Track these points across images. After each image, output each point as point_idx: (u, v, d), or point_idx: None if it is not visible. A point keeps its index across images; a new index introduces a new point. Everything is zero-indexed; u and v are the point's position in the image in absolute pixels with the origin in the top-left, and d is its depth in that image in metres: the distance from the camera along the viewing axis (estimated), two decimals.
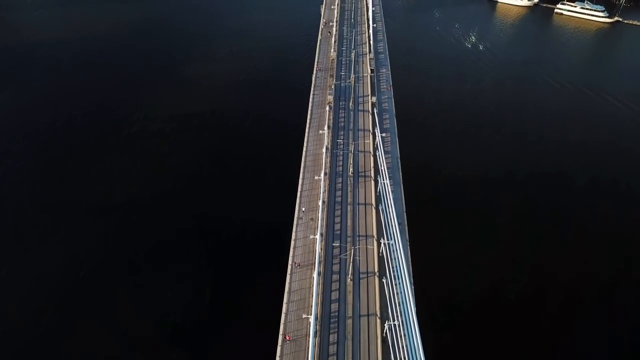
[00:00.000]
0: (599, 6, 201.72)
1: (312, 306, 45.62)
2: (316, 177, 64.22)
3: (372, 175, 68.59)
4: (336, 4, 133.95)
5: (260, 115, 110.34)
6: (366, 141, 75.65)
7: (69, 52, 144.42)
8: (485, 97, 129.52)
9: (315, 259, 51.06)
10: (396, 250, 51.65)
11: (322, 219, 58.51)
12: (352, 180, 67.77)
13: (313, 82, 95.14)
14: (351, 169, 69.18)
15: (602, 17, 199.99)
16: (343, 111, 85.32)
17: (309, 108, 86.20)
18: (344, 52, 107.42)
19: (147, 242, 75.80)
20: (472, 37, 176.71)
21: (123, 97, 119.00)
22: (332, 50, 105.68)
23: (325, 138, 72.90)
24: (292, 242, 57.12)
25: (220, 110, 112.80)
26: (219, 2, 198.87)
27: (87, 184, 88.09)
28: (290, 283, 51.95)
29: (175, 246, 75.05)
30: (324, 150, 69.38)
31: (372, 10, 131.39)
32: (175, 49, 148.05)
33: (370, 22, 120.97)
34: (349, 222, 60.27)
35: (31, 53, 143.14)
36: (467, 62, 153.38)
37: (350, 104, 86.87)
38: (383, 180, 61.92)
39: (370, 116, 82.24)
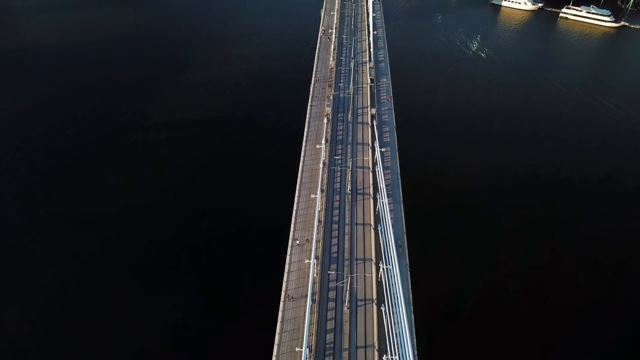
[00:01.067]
0: (605, 11, 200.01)
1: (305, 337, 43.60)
2: (312, 196, 62.29)
3: (371, 192, 66.60)
4: (336, 9, 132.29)
5: (256, 128, 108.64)
6: (365, 157, 73.65)
7: (65, 56, 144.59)
8: (491, 108, 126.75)
9: (309, 285, 48.98)
10: (395, 275, 49.67)
11: (317, 241, 56.75)
12: (350, 198, 65.79)
13: (311, 92, 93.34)
14: (349, 186, 67.21)
15: (608, 21, 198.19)
16: (341, 124, 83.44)
17: (306, 120, 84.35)
18: (343, 60, 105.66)
19: (136, 257, 74.71)
20: (476, 42, 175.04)
21: (117, 103, 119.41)
22: (331, 59, 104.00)
23: (323, 153, 70.99)
24: (287, 266, 55.13)
25: (215, 121, 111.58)
26: (218, 6, 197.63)
27: (87, 188, 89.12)
28: (283, 311, 49.92)
29: (161, 271, 73.49)
30: (321, 165, 67.53)
31: (373, 17, 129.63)
32: (169, 55, 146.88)
33: (371, 29, 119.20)
34: (347, 244, 58.25)
35: (29, 57, 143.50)
36: (470, 69, 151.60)
37: (349, 116, 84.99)
38: (382, 198, 60.01)
39: (369, 129, 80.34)
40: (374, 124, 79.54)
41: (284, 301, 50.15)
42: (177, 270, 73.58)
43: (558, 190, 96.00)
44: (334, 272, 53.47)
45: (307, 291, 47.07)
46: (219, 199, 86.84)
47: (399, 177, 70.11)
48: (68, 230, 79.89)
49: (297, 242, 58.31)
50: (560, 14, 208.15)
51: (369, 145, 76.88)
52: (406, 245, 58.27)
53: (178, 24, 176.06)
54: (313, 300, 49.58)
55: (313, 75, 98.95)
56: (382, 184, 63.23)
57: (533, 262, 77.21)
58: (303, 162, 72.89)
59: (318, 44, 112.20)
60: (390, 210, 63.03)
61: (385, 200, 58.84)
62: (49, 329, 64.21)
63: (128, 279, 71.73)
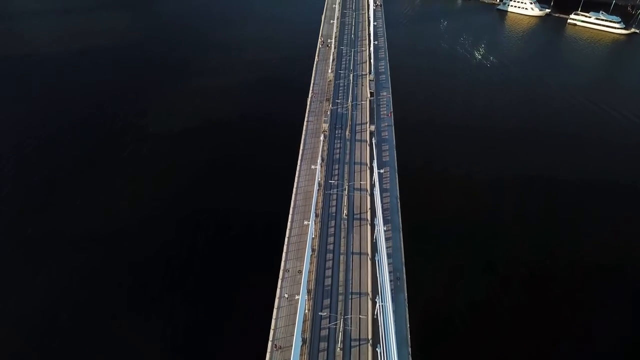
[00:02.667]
0: (614, 17, 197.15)
1: None
2: (305, 222, 59.64)
3: (368, 218, 63.91)
4: (336, 17, 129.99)
5: (250, 146, 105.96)
6: (362, 179, 71.06)
7: (61, 64, 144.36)
8: (497, 122, 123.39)
9: (299, 324, 46.24)
10: (393, 311, 46.99)
11: (310, 272, 54.22)
12: (346, 224, 63.21)
13: (308, 106, 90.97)
14: (345, 211, 64.65)
15: (618, 28, 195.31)
16: (339, 141, 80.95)
17: (302, 137, 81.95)
18: (342, 72, 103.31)
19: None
20: (481, 50, 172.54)
21: (105, 112, 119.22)
22: (329, 71, 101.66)
23: (318, 173, 68.42)
24: (277, 301, 52.52)
25: (204, 137, 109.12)
26: (214, 14, 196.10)
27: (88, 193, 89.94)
28: (271, 352, 47.24)
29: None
30: (315, 187, 64.91)
31: (374, 25, 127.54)
32: (162, 66, 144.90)
33: (372, 38, 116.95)
34: (341, 277, 55.61)
35: (26, 64, 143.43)
36: (476, 80, 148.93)
37: (347, 133, 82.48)
38: (380, 226, 57.38)
39: (367, 148, 77.76)
40: (373, 142, 76.94)
41: (271, 351, 47.30)
42: (162, 302, 71.06)
43: (579, 225, 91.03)
44: (326, 313, 50.55)
45: (297, 337, 44.09)
46: (206, 223, 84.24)
47: (398, 200, 67.44)
48: (63, 246, 78.28)
49: (288, 273, 55.74)
50: (569, 20, 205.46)
51: (367, 165, 74.31)
52: (405, 277, 55.60)
53: (174, 29, 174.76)
54: (303, 341, 46.95)
55: (310, 89, 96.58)
56: (379, 210, 60.72)
57: (545, 305, 73.65)
58: (297, 183, 70.44)
59: (317, 55, 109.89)
60: (388, 239, 60.78)
61: (382, 228, 56.28)
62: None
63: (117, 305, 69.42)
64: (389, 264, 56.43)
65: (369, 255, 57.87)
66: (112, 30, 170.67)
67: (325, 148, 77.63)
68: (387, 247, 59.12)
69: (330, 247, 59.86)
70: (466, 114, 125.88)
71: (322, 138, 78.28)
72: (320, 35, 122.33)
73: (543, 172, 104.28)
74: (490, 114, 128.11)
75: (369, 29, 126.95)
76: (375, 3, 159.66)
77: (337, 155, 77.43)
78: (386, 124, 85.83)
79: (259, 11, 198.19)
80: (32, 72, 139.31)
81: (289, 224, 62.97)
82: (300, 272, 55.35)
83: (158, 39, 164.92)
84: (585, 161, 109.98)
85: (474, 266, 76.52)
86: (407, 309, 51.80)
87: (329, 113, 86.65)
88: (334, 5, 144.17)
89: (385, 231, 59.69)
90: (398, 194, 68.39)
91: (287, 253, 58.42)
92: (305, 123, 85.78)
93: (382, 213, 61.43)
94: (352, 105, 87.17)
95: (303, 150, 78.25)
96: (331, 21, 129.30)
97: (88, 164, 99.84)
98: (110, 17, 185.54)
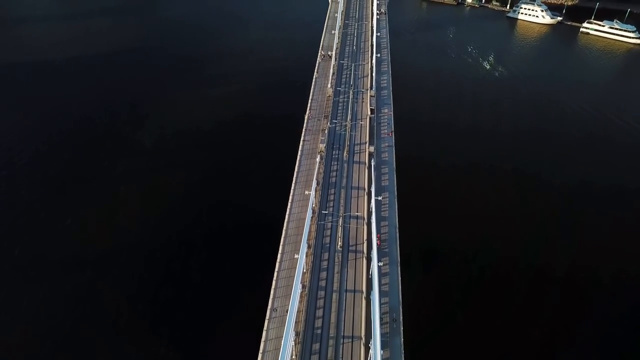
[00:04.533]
0: (629, 26, 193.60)
1: None
2: (295, 256, 56.69)
3: (365, 250, 60.87)
4: (337, 27, 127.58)
5: (244, 167, 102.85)
6: (359, 206, 68.08)
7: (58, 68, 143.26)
8: (506, 142, 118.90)
9: None
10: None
11: (299, 311, 51.26)
12: (340, 257, 60.15)
13: (305, 124, 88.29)
14: (340, 242, 61.62)
15: (633, 37, 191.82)
16: (336, 163, 78.12)
17: (298, 158, 79.21)
18: (342, 87, 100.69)
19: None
20: (490, 61, 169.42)
21: (100, 121, 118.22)
22: (329, 85, 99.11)
23: (312, 199, 65.48)
24: (262, 345, 49.52)
25: (196, 154, 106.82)
26: (216, 20, 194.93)
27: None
28: None
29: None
30: (308, 215, 61.96)
31: (377, 36, 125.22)
32: (157, 73, 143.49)
33: (374, 50, 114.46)
34: (333, 318, 52.50)
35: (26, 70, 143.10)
36: (483, 95, 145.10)
37: (345, 154, 79.68)
38: (375, 260, 54.30)
39: (366, 171, 74.84)
40: (372, 164, 74.04)
41: None
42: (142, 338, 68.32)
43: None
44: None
45: None
46: (194, 252, 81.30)
47: (397, 230, 64.33)
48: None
49: (276, 313, 52.75)
50: (581, 29, 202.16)
51: (364, 190, 71.38)
52: (401, 319, 52.37)
53: (174, 37, 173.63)
54: None
55: (308, 105, 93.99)
56: (377, 239, 57.84)
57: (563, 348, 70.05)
58: (290, 210, 67.58)
59: (316, 70, 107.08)
60: (384, 274, 57.80)
61: (375, 262, 53.25)
62: None
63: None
64: (384, 303, 53.72)
65: (364, 294, 54.78)
66: (111, 36, 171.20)
67: (322, 171, 74.82)
68: (383, 284, 56.49)
69: (323, 283, 56.84)
70: (472, 133, 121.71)
71: (318, 159, 75.46)
72: (320, 47, 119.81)
73: (560, 197, 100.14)
74: (499, 133, 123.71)
75: (371, 39, 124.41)
76: (380, 11, 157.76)
77: (334, 179, 74.54)
78: (386, 144, 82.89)
79: (259, 20, 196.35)
80: (30, 79, 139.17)
81: (279, 256, 60.09)
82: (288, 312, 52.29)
83: (155, 47, 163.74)
84: (600, 177, 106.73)
85: (479, 305, 72.48)
86: (403, 355, 48.57)
87: (326, 132, 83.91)
88: (336, 14, 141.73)
89: (382, 265, 56.96)
90: (397, 223, 65.30)
91: (275, 289, 55.50)
92: (301, 142, 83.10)
93: (380, 244, 58.82)
94: (350, 124, 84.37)
95: (298, 172, 75.46)
96: (332, 31, 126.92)
97: (79, 176, 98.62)
98: (113, 22, 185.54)
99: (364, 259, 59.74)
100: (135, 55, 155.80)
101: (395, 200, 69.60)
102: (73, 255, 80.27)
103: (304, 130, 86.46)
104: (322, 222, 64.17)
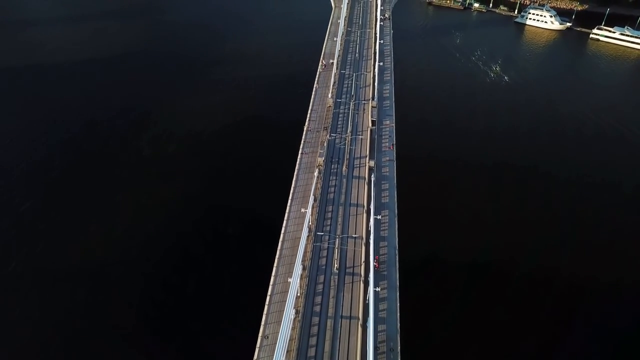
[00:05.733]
0: None
1: None
2: (288, 280, 54.73)
3: (362, 273, 58.81)
4: (340, 34, 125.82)
5: (241, 180, 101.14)
6: (358, 225, 66.11)
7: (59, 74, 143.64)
8: (514, 154, 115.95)
9: None
10: None
11: (292, 339, 49.28)
12: (336, 281, 58.15)
13: (304, 136, 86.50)
14: (336, 264, 59.66)
15: None
16: (334, 178, 76.20)
17: (295, 172, 77.40)
18: (343, 97, 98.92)
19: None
20: (497, 68, 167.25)
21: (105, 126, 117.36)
22: (329, 95, 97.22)
23: (308, 217, 63.57)
24: None
25: (184, 170, 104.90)
26: (219, 26, 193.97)
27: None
28: None
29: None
30: (304, 234, 59.94)
31: (380, 43, 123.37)
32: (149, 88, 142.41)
33: (377, 58, 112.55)
34: (327, 347, 50.50)
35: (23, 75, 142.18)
36: (490, 103, 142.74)
37: (344, 168, 77.78)
38: (373, 284, 52.37)
39: (365, 187, 72.83)
40: (372, 180, 72.03)
41: None
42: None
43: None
44: None
45: None
46: (183, 274, 79.40)
47: (397, 251, 62.27)
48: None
49: (268, 340, 50.85)
50: (591, 35, 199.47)
51: (363, 207, 69.38)
52: (399, 349, 50.27)
53: (174, 42, 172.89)
54: None
55: (308, 116, 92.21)
56: (375, 262, 56.01)
57: None
58: (285, 228, 65.73)
59: (316, 81, 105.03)
60: (383, 299, 55.81)
61: (371, 288, 51.30)
62: None
63: None
64: (381, 331, 51.73)
65: (360, 321, 52.72)
66: (115, 39, 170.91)
67: (319, 186, 72.93)
68: (380, 310, 54.49)
69: (317, 308, 54.88)
70: (476, 144, 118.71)
71: (316, 174, 73.62)
72: (322, 56, 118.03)
73: (573, 215, 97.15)
74: (507, 145, 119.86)
75: (375, 47, 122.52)
76: (384, 16, 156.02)
77: (332, 195, 72.62)
78: (387, 158, 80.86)
79: (259, 25, 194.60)
80: (29, 82, 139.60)
81: (272, 278, 58.22)
82: None
83: (153, 53, 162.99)
84: (614, 187, 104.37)
85: (483, 335, 69.87)
86: None
87: (325, 144, 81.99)
88: (339, 20, 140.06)
89: (380, 290, 55.09)
90: (397, 244, 63.21)
91: (267, 315, 53.64)
92: (299, 155, 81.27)
93: (378, 267, 56.95)
94: (351, 137, 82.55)
95: (295, 187, 73.66)
96: (335, 38, 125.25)
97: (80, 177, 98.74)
98: (118, 26, 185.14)
99: (361, 282, 57.68)
100: (130, 60, 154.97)
101: (396, 218, 67.51)
102: (73, 263, 79.53)
103: (302, 142, 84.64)
104: (318, 244, 62.18)
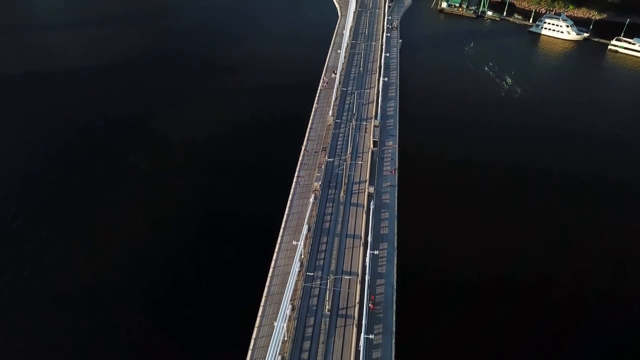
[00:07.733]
0: None
1: None
2: (274, 323, 51.17)
3: (356, 315, 55.09)
4: (344, 46, 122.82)
5: (233, 203, 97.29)
6: (354, 260, 62.51)
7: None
8: (526, 178, 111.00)
9: None
10: None
11: None
12: (327, 324, 54.52)
13: (300, 157, 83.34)
14: (328, 305, 56.04)
15: None
16: (331, 205, 72.77)
17: (290, 197, 74.23)
18: (344, 116, 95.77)
19: None
20: (509, 80, 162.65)
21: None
22: (329, 113, 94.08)
23: (300, 250, 60.09)
24: None
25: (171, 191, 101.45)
26: (221, 32, 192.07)
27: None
28: None
29: None
30: (294, 270, 56.36)
31: (386, 57, 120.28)
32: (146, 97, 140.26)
33: (382, 73, 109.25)
34: None
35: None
36: (504, 120, 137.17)
37: (342, 193, 74.35)
38: (364, 331, 48.75)
39: (364, 216, 69.26)
40: (371, 208, 68.40)
41: None
42: None
43: None
44: None
45: None
46: (166, 314, 75.88)
47: (395, 290, 58.58)
48: None
49: None
50: (609, 46, 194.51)
51: (361, 239, 65.77)
52: None
53: (174, 46, 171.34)
54: None
55: (306, 135, 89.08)
56: (370, 305, 52.51)
57: None
58: (275, 262, 62.34)
59: (316, 101, 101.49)
60: (376, 346, 52.12)
61: (363, 335, 47.61)
62: None
63: None
64: None
65: None
66: (113, 45, 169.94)
67: (314, 214, 69.49)
68: (374, 359, 50.87)
69: (305, 355, 51.23)
70: (486, 169, 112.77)
71: (312, 200, 70.27)
72: (324, 69, 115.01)
73: (595, 244, 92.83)
74: (521, 174, 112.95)
75: (380, 60, 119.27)
76: (391, 25, 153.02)
77: (327, 224, 69.20)
78: (388, 183, 77.26)
79: (261, 33, 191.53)
80: (27, 86, 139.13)
81: (258, 319, 54.79)
82: None
83: (150, 59, 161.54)
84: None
85: None
86: None
87: (323, 167, 78.66)
88: (343, 31, 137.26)
89: (374, 336, 51.42)
90: (395, 282, 59.52)
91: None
92: (295, 179, 78.08)
93: (373, 308, 53.42)
94: (350, 161, 79.09)
95: (288, 215, 70.41)
96: (338, 50, 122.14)
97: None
98: (116, 32, 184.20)
99: (354, 326, 53.96)
100: (125, 69, 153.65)
101: (395, 253, 63.86)
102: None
103: (298, 164, 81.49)
104: (309, 285, 58.54)
